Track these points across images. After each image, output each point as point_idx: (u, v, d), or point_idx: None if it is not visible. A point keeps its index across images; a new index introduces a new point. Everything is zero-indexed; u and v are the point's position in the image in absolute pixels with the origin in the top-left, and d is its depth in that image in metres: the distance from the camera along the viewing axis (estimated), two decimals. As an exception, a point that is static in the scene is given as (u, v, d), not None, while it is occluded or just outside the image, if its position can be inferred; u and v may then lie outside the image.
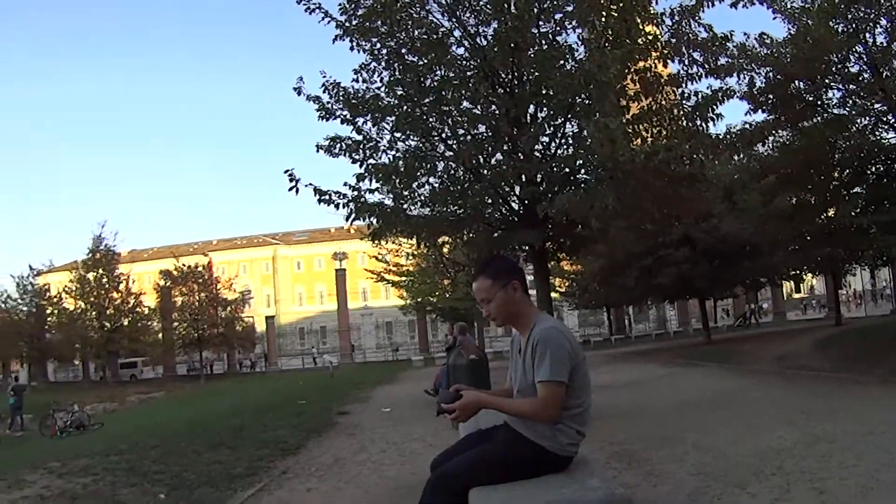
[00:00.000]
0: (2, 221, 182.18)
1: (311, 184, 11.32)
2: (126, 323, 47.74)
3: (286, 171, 10.99)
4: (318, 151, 11.94)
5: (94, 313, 47.00)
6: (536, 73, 11.28)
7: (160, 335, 49.43)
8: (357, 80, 11.95)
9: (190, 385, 41.69)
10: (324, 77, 11.76)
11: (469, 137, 12.08)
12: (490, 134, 11.97)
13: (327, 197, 11.50)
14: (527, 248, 12.84)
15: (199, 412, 18.90)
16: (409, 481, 6.84)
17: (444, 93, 11.51)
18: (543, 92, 11.25)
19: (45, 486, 8.53)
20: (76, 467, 9.46)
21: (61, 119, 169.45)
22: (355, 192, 11.69)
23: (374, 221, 11.92)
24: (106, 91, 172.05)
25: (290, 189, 10.95)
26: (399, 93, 11.75)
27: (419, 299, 39.07)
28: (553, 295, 20.66)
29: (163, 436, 12.04)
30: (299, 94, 11.81)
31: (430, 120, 11.96)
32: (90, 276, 47.81)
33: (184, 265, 49.22)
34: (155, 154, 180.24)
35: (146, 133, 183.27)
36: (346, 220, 11.76)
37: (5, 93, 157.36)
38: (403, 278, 37.50)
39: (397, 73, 11.75)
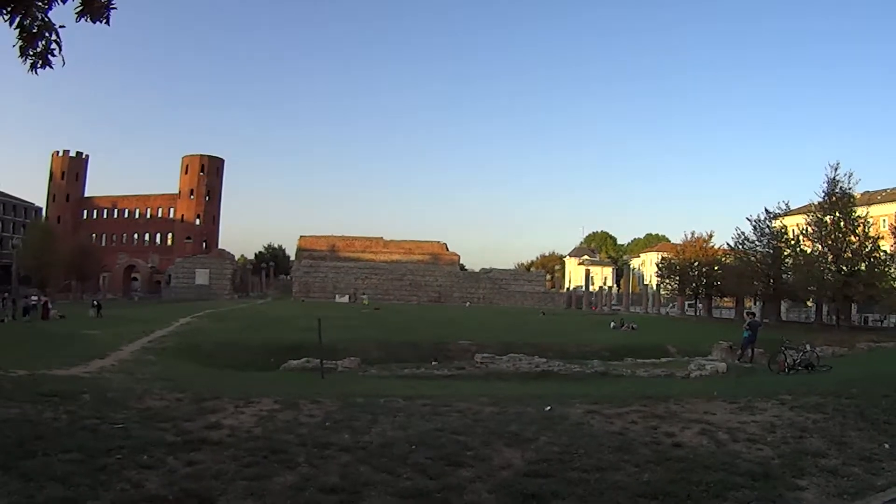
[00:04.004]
0: (744, 167, 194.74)
1: None
2: (862, 267, 45.28)
3: None
4: None
5: (830, 257, 45.87)
6: None
7: (901, 282, 45.82)
8: None
9: (920, 338, 37.73)
10: None
11: None
12: None
13: None
14: None
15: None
16: None
17: None
18: None
19: (775, 414, 9.27)
20: (807, 403, 9.96)
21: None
22: None
23: None
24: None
25: None
26: None
27: None
28: None
29: (894, 385, 11.71)
30: None
31: None
32: (826, 218, 46.59)
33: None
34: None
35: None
36: None
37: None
38: None
39: None
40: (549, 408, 9.72)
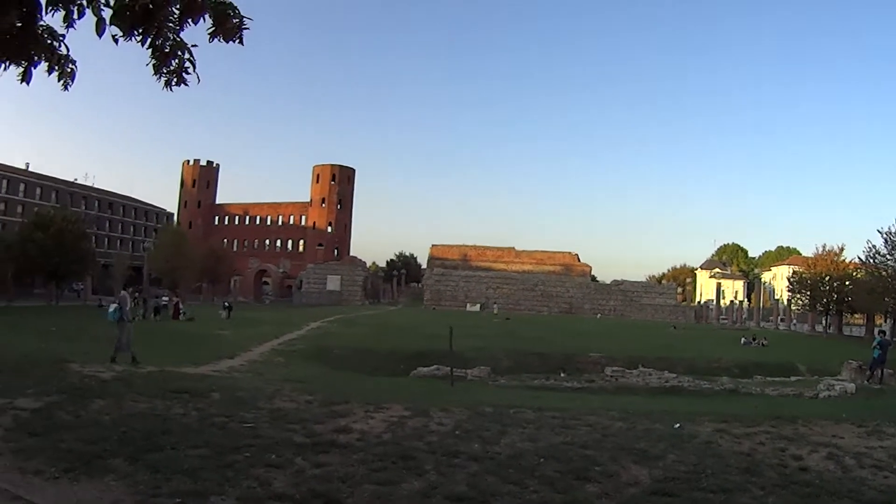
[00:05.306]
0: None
1: None
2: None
3: None
4: None
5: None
6: None
7: None
8: None
9: None
10: None
11: None
12: None
13: None
14: None
15: None
16: None
17: None
18: None
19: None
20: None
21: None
22: None
23: None
24: None
25: None
26: None
27: None
28: None
29: None
30: None
31: None
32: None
33: None
34: None
35: None
36: None
37: None
38: None
39: None
40: (678, 425, 9.59)
